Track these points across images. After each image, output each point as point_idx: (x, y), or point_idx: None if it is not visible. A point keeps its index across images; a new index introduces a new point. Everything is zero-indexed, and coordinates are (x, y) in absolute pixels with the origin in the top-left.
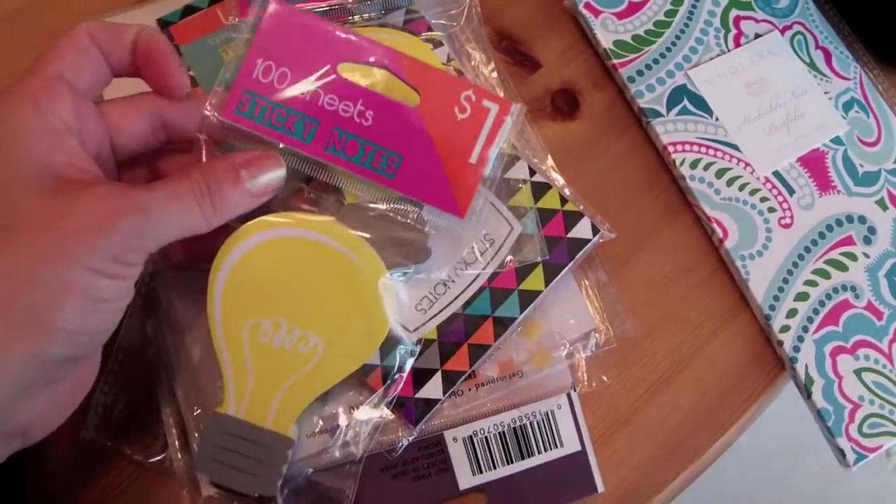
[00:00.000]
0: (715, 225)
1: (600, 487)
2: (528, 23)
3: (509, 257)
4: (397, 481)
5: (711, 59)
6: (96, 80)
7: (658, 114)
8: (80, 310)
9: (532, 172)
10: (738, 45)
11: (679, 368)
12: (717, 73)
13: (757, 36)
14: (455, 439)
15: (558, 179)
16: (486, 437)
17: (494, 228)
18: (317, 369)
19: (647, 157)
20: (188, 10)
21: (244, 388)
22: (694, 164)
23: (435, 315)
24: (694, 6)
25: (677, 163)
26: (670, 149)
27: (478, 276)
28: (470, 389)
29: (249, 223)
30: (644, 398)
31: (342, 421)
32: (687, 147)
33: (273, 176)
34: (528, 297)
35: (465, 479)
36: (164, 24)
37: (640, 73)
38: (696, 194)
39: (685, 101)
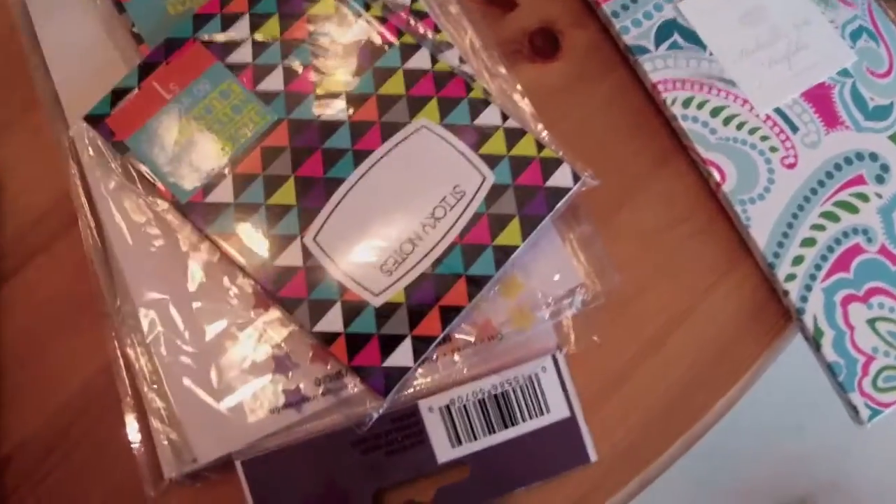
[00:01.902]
0: (711, 168)
1: (592, 456)
2: None
3: (482, 210)
4: (369, 456)
5: None
6: None
7: (646, 50)
8: None
9: (505, 118)
10: None
11: (675, 325)
12: (709, 4)
13: None
14: (431, 409)
15: (537, 126)
16: (464, 406)
17: (465, 179)
18: None
19: (636, 99)
20: None
21: None
22: (687, 103)
23: (401, 276)
24: None
25: (668, 102)
26: (660, 87)
27: (448, 231)
28: (445, 355)
29: None
30: (637, 358)
31: (308, 392)
32: (678, 85)
33: None
34: (504, 253)
35: (444, 451)
36: None
37: (624, 7)
38: (689, 135)
39: (675, 36)
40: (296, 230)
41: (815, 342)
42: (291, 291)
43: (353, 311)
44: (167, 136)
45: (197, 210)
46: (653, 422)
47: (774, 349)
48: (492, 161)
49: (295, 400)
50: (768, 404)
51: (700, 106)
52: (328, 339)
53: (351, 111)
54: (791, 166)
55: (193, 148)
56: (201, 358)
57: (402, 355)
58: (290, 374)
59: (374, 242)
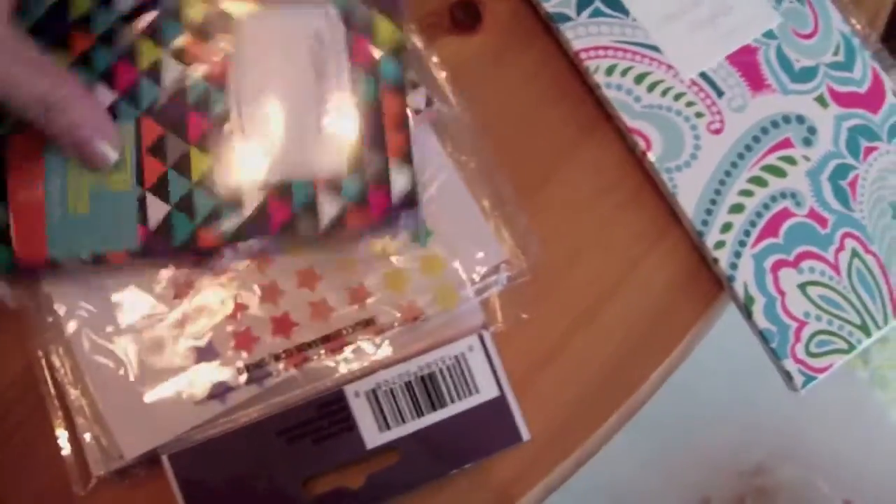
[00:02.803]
0: (636, 137)
1: (525, 435)
2: None
3: None
4: (296, 445)
5: None
6: None
7: (567, 18)
8: None
9: None
10: None
11: (605, 297)
12: None
13: None
14: (357, 394)
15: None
16: (390, 390)
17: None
18: None
19: (559, 69)
20: None
21: None
22: (609, 71)
23: None
24: None
25: (591, 70)
26: (582, 55)
27: None
28: (369, 338)
29: None
30: (568, 332)
31: (231, 382)
32: (601, 52)
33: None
34: None
35: (373, 436)
36: None
37: None
38: (613, 104)
39: (597, 2)
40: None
41: (746, 310)
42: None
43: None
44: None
45: None
46: (587, 397)
47: (708, 318)
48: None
49: (219, 391)
50: (721, 373)
51: (623, 73)
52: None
53: None
54: (717, 132)
55: None
56: (121, 351)
57: None
58: (213, 363)
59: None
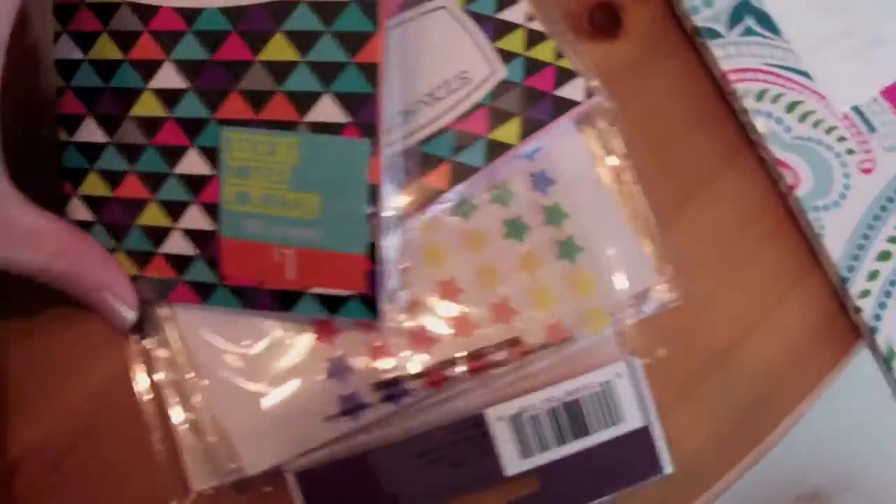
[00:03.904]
0: (784, 170)
1: (667, 468)
2: None
3: (485, 102)
4: (433, 469)
5: None
6: None
7: (717, 34)
8: None
9: (531, 18)
10: None
11: (742, 335)
12: None
13: None
14: (499, 418)
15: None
16: (534, 415)
17: (474, 67)
18: None
19: (701, 86)
20: None
21: None
22: (760, 96)
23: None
24: None
25: (739, 94)
26: (731, 76)
27: (443, 114)
28: (514, 359)
29: None
30: (703, 371)
31: (365, 399)
32: (751, 75)
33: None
34: (496, 149)
35: (513, 463)
36: None
37: None
38: (762, 132)
39: (749, 19)
40: None
41: (886, 364)
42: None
43: None
44: None
45: None
46: (721, 435)
47: (843, 366)
48: (506, 56)
49: (351, 407)
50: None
51: (774, 100)
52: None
53: None
54: (868, 171)
55: None
56: (247, 361)
57: None
58: (346, 378)
59: None
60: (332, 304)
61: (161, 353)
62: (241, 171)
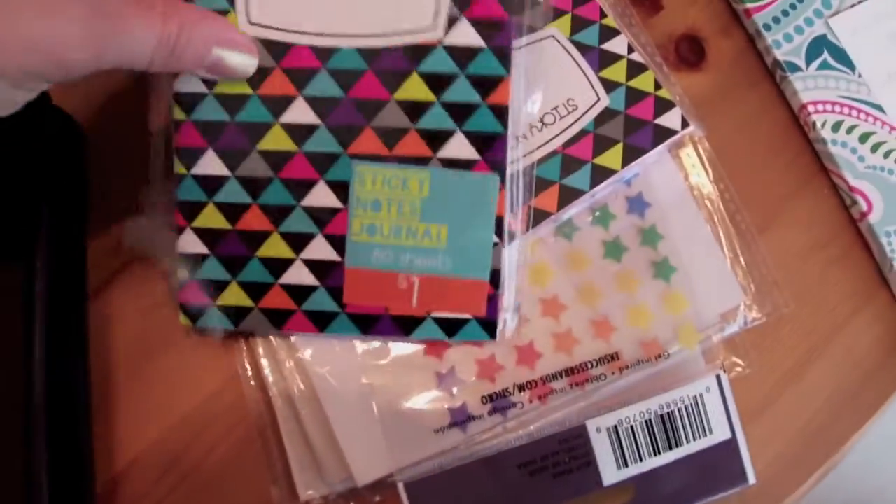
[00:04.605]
0: (858, 196)
1: (751, 478)
2: None
3: (590, 128)
4: (536, 478)
5: (853, 5)
6: None
7: (797, 68)
8: None
9: (631, 50)
10: None
11: (815, 353)
12: (860, 22)
13: None
14: (599, 430)
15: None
16: (631, 427)
17: (580, 95)
18: None
19: (780, 116)
20: None
21: None
22: (836, 127)
23: None
24: None
25: (818, 125)
26: (810, 108)
27: (553, 139)
28: (613, 373)
29: None
30: (778, 387)
31: (473, 411)
32: (828, 107)
33: (241, 65)
34: (600, 173)
35: (610, 473)
36: None
37: (776, 20)
38: (837, 161)
39: (825, 54)
40: None
41: None
42: None
43: None
44: None
45: None
46: (794, 450)
47: None
48: (609, 86)
49: (460, 419)
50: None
51: (849, 131)
52: None
53: None
54: None
55: None
56: (360, 375)
57: None
58: (455, 390)
59: None
60: (451, 328)
61: (271, 363)
62: (373, 203)
